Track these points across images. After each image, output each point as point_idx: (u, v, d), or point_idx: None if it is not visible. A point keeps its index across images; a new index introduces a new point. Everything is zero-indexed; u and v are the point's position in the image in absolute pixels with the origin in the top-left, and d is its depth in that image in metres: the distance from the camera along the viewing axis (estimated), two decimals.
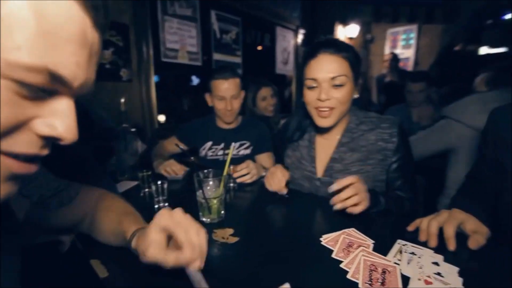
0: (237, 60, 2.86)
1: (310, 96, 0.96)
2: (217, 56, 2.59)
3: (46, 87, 0.27)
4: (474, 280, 0.55)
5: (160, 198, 1.00)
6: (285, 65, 3.73)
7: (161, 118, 2.34)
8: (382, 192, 0.96)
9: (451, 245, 0.65)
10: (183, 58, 2.25)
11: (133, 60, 2.04)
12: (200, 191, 0.82)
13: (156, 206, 0.99)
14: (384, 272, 0.57)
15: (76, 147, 1.07)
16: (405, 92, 2.32)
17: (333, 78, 0.91)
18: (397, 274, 0.56)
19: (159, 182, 1.00)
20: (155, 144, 1.64)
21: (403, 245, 0.67)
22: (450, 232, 0.67)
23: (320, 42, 0.95)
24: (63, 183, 0.65)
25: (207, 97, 1.50)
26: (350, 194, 0.79)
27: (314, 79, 0.93)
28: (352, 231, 0.76)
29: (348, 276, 0.56)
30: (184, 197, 1.11)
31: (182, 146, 1.58)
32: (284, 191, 0.99)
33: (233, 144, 0.97)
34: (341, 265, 0.60)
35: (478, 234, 0.67)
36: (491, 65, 1.72)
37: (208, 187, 0.86)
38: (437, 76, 2.31)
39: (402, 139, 0.97)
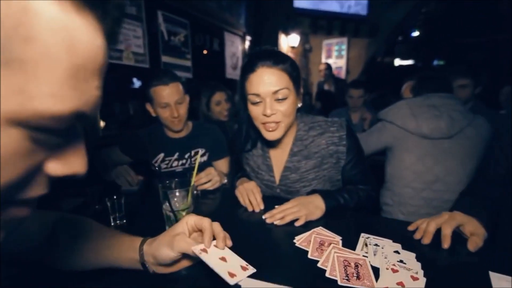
0: (187, 63, 2.77)
1: (255, 112, 0.96)
2: (165, 59, 2.46)
3: (65, 128, 0.24)
4: (430, 264, 0.63)
5: (117, 214, 0.90)
6: (234, 70, 3.76)
7: (101, 124, 2.11)
8: (338, 189, 1.04)
9: (446, 243, 0.69)
10: (128, 60, 2.07)
11: None
12: (167, 203, 0.77)
13: (112, 224, 0.89)
14: (356, 266, 0.61)
15: None
16: (346, 98, 2.59)
17: (275, 92, 0.91)
18: (368, 266, 0.61)
19: (115, 197, 0.90)
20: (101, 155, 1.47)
21: (367, 238, 0.74)
22: (447, 232, 0.71)
23: (257, 53, 0.95)
24: None
25: (148, 107, 1.37)
26: (285, 214, 0.87)
27: (257, 94, 0.92)
28: (320, 229, 0.80)
29: (327, 275, 0.59)
30: (143, 211, 1.02)
31: (126, 158, 1.45)
32: (262, 207, 0.98)
33: (199, 151, 0.93)
34: (318, 265, 0.63)
35: (476, 235, 0.70)
36: (413, 75, 2.04)
37: (175, 199, 0.81)
38: (370, 84, 2.67)
39: (352, 139, 1.03)
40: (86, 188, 1.08)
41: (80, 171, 0.27)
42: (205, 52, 3.17)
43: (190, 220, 0.57)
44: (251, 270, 0.53)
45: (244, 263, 0.54)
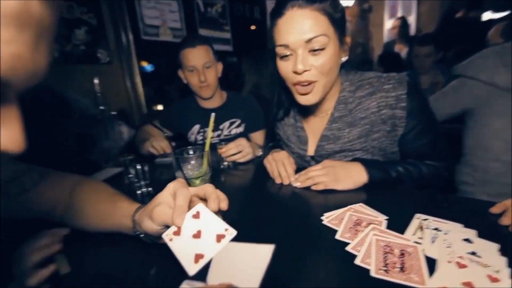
0: (226, 35, 2.67)
1: (284, 69, 0.78)
2: (203, 32, 2.40)
3: None
4: None
5: (142, 182, 0.89)
6: None
7: (159, 107, 2.21)
8: (391, 161, 0.83)
9: None
10: (165, 35, 2.07)
11: (110, 39, 1.87)
12: (179, 171, 0.70)
13: (138, 191, 0.88)
14: (402, 254, 0.45)
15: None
16: (412, 58, 2.16)
17: (309, 41, 0.71)
18: (420, 256, 0.44)
19: (138, 166, 0.88)
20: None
21: (424, 219, 0.55)
22: None
23: None
24: (23, 166, 0.58)
25: (180, 73, 1.35)
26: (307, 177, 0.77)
27: (285, 45, 0.73)
28: (359, 206, 0.64)
29: (357, 262, 0.45)
30: (169, 180, 1.00)
31: (166, 131, 1.46)
32: (293, 179, 0.83)
33: (212, 114, 0.84)
34: (348, 248, 0.48)
35: None
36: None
37: (190, 166, 0.74)
38: (442, 40, 2.13)
39: (415, 100, 0.77)
40: (122, 158, 1.12)
41: (10, 148, 0.24)
42: (252, 27, 3.01)
43: (172, 186, 0.47)
44: (228, 237, 0.40)
45: (222, 230, 0.42)
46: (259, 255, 0.37)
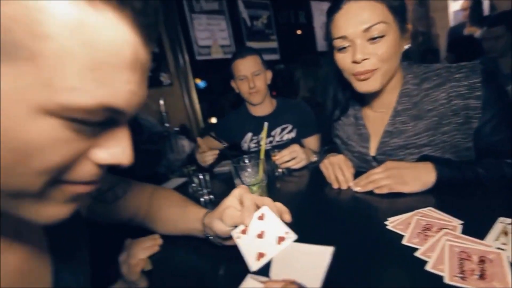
0: (273, 44, 2.74)
1: (342, 60, 0.77)
2: (250, 45, 2.51)
3: (102, 121, 0.26)
4: None
5: (204, 190, 0.97)
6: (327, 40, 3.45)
7: (213, 120, 2.38)
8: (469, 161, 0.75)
9: None
10: (216, 53, 2.23)
11: (170, 63, 2.09)
12: (238, 179, 0.76)
13: (201, 199, 0.97)
14: (482, 261, 0.41)
15: None
16: (482, 41, 1.90)
17: (367, 30, 0.70)
18: (504, 263, 0.40)
19: (200, 176, 0.97)
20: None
21: (509, 224, 0.49)
22: None
23: None
24: (116, 178, 0.68)
25: (232, 84, 1.45)
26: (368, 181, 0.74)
27: (343, 37, 0.73)
28: (429, 210, 0.59)
29: (428, 268, 0.42)
30: (230, 187, 1.07)
31: (222, 141, 1.55)
32: (351, 183, 0.81)
33: (265, 123, 0.87)
34: (416, 254, 0.46)
35: None
36: None
37: (247, 174, 0.79)
38: None
39: (491, 89, 0.69)
40: (186, 170, 1.24)
41: (124, 162, 0.29)
42: (298, 32, 3.04)
43: (238, 192, 0.53)
44: (288, 240, 0.42)
45: (283, 233, 0.44)
46: (319, 256, 0.39)
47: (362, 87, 0.77)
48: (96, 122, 0.25)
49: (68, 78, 0.22)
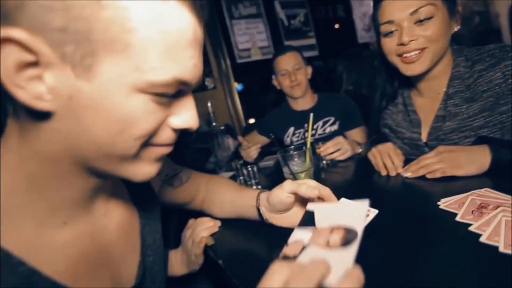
0: (311, 41, 2.74)
1: (388, 44, 0.78)
2: (288, 43, 2.55)
3: (175, 92, 0.33)
4: None
5: (253, 181, 1.05)
6: (368, 31, 3.32)
7: (251, 121, 2.49)
8: None
9: None
10: (256, 55, 2.32)
11: (214, 69, 2.24)
12: (286, 167, 0.81)
13: None
14: None
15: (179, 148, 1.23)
16: None
17: (414, 13, 0.71)
18: None
19: (249, 168, 1.05)
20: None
21: None
22: None
23: None
24: (179, 166, 0.78)
25: (274, 81, 1.52)
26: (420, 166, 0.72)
27: (390, 21, 0.74)
28: (485, 191, 0.58)
29: (482, 240, 0.43)
30: (275, 179, 1.13)
31: (268, 136, 1.62)
32: (400, 170, 0.80)
33: (311, 114, 0.91)
34: (470, 228, 0.46)
35: None
36: None
37: (294, 163, 0.84)
38: None
39: None
40: (234, 164, 1.33)
41: (192, 125, 0.37)
42: (336, 26, 3.01)
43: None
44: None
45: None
46: (357, 208, 0.42)
47: (408, 69, 0.77)
48: (171, 94, 0.32)
49: (151, 61, 0.29)
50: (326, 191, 0.55)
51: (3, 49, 0.25)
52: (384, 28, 0.77)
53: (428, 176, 0.71)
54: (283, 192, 0.57)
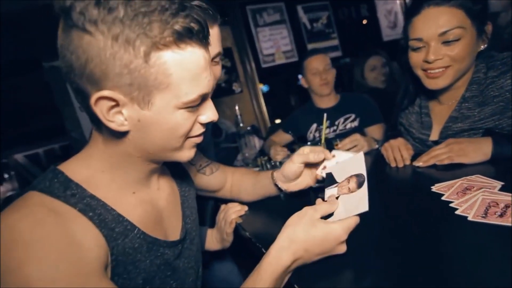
0: (334, 42, 2.81)
1: (415, 58, 0.83)
2: (311, 46, 2.64)
3: (199, 102, 0.48)
4: None
5: None
6: (393, 29, 3.29)
7: (278, 121, 2.62)
8: None
9: None
10: (280, 59, 2.46)
11: (240, 74, 2.42)
12: None
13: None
14: (507, 206, 0.49)
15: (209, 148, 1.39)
16: None
17: (442, 34, 0.75)
18: None
19: (272, 163, 1.19)
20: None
21: None
22: None
23: None
24: (210, 160, 0.94)
25: (302, 81, 1.65)
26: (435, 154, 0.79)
27: (419, 39, 0.79)
28: (476, 177, 0.66)
29: (458, 212, 0.53)
30: None
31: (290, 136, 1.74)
32: (407, 162, 0.89)
33: (324, 114, 1.03)
34: (451, 204, 0.56)
35: None
36: None
37: None
38: None
39: None
40: (260, 160, 1.48)
41: (214, 118, 0.52)
42: (364, 21, 3.04)
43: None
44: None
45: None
46: (356, 160, 0.62)
47: (431, 84, 0.83)
48: (197, 104, 0.47)
49: (183, 90, 0.44)
50: (326, 152, 0.72)
51: (99, 102, 0.42)
52: (412, 43, 0.83)
53: (437, 163, 0.79)
54: (294, 164, 0.74)
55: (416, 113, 1.01)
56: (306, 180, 0.79)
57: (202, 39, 0.45)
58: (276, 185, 0.81)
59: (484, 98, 0.81)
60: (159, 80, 0.42)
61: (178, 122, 0.46)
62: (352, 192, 0.56)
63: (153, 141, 0.47)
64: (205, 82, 0.47)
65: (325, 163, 0.73)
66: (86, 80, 0.41)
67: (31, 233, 0.38)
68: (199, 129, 0.51)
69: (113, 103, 0.43)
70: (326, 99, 1.61)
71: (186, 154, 0.53)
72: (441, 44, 0.77)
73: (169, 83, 0.43)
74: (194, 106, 0.47)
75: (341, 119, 1.57)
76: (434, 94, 0.94)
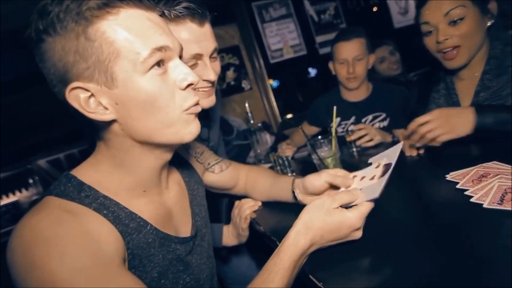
0: None
1: (429, 42, 0.91)
2: (320, 39, 2.61)
3: (162, 58, 0.47)
4: None
5: (288, 169, 1.20)
6: (404, 15, 3.19)
7: (289, 116, 2.61)
8: None
9: None
10: (288, 54, 2.44)
11: (249, 71, 2.42)
12: (315, 154, 0.94)
13: None
14: None
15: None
16: None
17: (446, 15, 0.83)
18: None
19: (284, 158, 1.20)
20: (280, 135, 1.90)
21: None
22: None
23: None
24: (220, 157, 0.94)
25: (331, 65, 1.39)
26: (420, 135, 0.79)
27: (426, 23, 0.88)
28: (492, 164, 0.65)
29: (473, 200, 0.52)
30: (307, 167, 1.26)
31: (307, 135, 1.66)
32: (413, 153, 0.90)
33: (334, 107, 1.02)
34: (466, 192, 0.56)
35: None
36: None
37: (321, 150, 0.97)
38: None
39: None
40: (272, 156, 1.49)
41: (190, 78, 0.49)
42: (374, 8, 2.97)
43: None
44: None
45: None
46: (395, 149, 0.61)
47: (450, 64, 0.90)
48: (157, 62, 0.46)
49: (133, 50, 0.44)
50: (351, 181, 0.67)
51: (72, 95, 0.44)
52: (423, 28, 0.91)
53: (431, 143, 0.79)
54: (321, 179, 0.69)
55: (444, 95, 1.02)
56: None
57: (136, 1, 0.45)
58: (293, 192, 0.78)
59: (501, 70, 0.86)
60: (107, 51, 0.43)
61: (150, 90, 0.45)
62: (375, 179, 0.56)
63: (141, 120, 0.47)
64: (156, 36, 0.45)
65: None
66: (59, 83, 0.45)
67: (52, 231, 0.41)
68: (187, 97, 0.49)
69: (87, 94, 0.45)
70: (355, 92, 1.38)
71: (188, 129, 0.50)
72: (449, 25, 0.84)
73: (117, 50, 0.43)
74: (154, 65, 0.45)
75: (370, 117, 1.36)
76: (456, 73, 0.97)
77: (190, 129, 0.51)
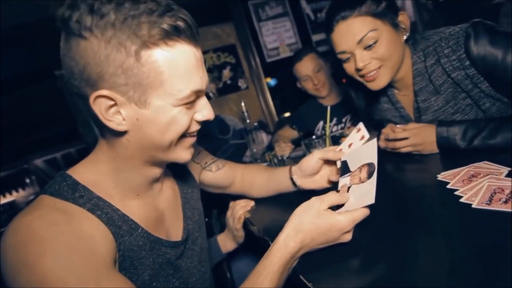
0: None
1: (348, 69, 0.86)
2: (316, 37, 2.61)
3: (194, 99, 0.50)
4: None
5: None
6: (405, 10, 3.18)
7: (286, 114, 2.61)
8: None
9: None
10: (284, 52, 2.44)
11: (245, 70, 2.42)
12: (309, 153, 0.95)
13: None
14: None
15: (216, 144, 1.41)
16: None
17: (360, 41, 0.77)
18: None
19: (279, 157, 1.20)
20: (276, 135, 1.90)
21: None
22: None
23: (330, 8, 0.83)
24: (216, 157, 0.94)
25: (299, 85, 1.63)
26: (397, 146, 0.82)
27: (343, 52, 0.82)
28: (483, 164, 0.65)
29: (462, 200, 0.52)
30: None
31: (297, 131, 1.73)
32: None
33: (328, 107, 1.03)
34: (456, 193, 0.56)
35: None
36: None
37: (315, 149, 0.97)
38: None
39: (481, 45, 0.71)
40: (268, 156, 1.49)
41: (210, 116, 0.53)
42: None
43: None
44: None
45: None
46: (370, 147, 0.61)
47: (373, 86, 0.85)
48: (192, 100, 0.48)
49: (176, 87, 0.45)
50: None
51: (97, 101, 0.44)
52: (340, 57, 0.85)
53: (402, 150, 0.82)
54: (314, 158, 0.74)
55: (390, 109, 1.00)
56: (322, 179, 0.78)
57: (191, 37, 0.47)
58: (291, 180, 0.80)
59: (435, 87, 0.84)
60: (152, 78, 0.44)
61: (176, 118, 0.48)
62: (362, 182, 0.56)
63: (152, 138, 0.49)
64: (197, 79, 0.48)
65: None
66: (85, 83, 0.44)
67: (46, 230, 0.41)
68: (195, 127, 0.53)
69: (111, 103, 0.45)
70: (327, 98, 1.58)
71: (184, 154, 0.54)
72: (364, 50, 0.79)
73: (162, 81, 0.45)
74: (189, 102, 0.48)
75: (349, 116, 1.53)
76: (391, 86, 0.94)
77: (186, 155, 0.55)
